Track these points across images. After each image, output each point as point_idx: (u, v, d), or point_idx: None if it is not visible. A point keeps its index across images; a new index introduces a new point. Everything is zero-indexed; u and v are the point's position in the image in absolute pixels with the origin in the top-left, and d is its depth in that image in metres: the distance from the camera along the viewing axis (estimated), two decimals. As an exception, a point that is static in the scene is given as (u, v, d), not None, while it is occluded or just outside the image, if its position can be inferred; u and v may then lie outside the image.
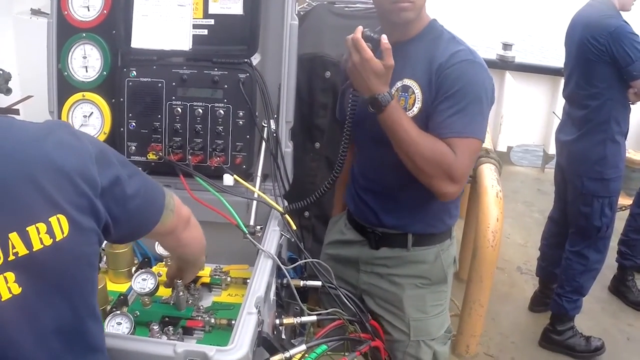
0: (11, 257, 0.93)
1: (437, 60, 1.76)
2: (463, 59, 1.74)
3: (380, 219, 1.99)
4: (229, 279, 1.88)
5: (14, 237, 0.93)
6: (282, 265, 1.70)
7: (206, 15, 1.92)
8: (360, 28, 1.69)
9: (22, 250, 0.94)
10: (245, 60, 1.92)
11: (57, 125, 1.09)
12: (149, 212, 1.29)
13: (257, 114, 1.91)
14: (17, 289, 0.95)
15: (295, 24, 1.92)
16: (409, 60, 1.82)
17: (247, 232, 1.74)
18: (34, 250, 0.95)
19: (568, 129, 3.30)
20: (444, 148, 1.71)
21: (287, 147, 1.98)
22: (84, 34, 1.98)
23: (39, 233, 0.96)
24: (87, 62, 1.99)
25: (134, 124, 1.95)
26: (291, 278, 1.82)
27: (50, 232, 0.97)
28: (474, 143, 1.74)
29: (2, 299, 0.93)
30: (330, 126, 2.61)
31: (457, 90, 1.71)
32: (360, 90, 1.75)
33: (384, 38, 1.68)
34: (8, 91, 3.23)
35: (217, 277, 1.88)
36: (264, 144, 1.91)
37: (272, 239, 1.76)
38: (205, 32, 1.93)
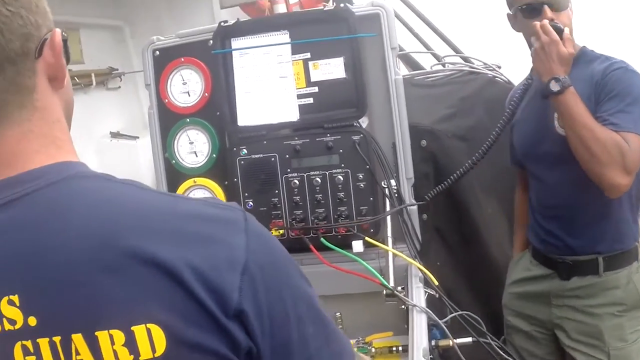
0: None
1: (594, 77, 1.85)
2: (618, 67, 1.85)
3: (568, 244, 2.00)
4: (373, 349, 1.80)
5: (78, 339, 0.71)
6: (438, 320, 1.63)
7: (309, 83, 1.90)
8: (546, 20, 1.81)
9: None
10: (355, 123, 1.89)
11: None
12: None
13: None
14: None
15: (400, 78, 1.89)
16: None
17: (392, 289, 1.67)
18: None
19: None
20: (617, 137, 1.75)
21: (412, 205, 1.92)
22: (188, 119, 1.97)
23: (112, 343, 0.70)
24: (194, 147, 1.97)
25: (251, 203, 1.91)
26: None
27: (130, 345, 0.70)
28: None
29: None
30: (437, 197, 2.56)
31: (617, 93, 1.80)
32: (541, 72, 1.83)
33: (567, 30, 1.81)
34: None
35: (361, 347, 1.80)
36: (388, 204, 1.86)
37: (419, 296, 1.69)
38: (311, 100, 1.90)
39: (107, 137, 3.70)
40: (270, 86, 1.92)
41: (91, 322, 0.71)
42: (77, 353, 0.71)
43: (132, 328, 0.70)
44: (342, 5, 1.86)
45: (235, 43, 1.93)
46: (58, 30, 0.84)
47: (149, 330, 0.70)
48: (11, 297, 0.72)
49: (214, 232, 0.77)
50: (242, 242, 0.77)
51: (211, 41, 1.94)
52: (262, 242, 0.81)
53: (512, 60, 2.70)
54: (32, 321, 0.72)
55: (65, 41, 0.89)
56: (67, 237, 0.73)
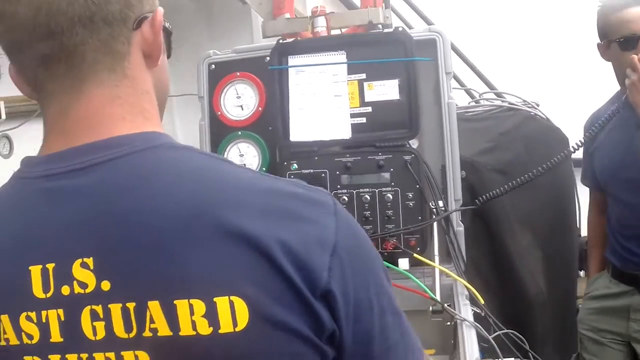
0: (147, 333, 0.69)
1: None
2: None
3: None
4: (416, 368, 1.79)
5: (154, 307, 0.68)
6: (487, 335, 1.62)
7: (363, 103, 1.94)
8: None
9: (163, 329, 0.68)
10: (406, 143, 1.92)
11: None
12: None
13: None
14: None
15: (454, 102, 1.93)
16: None
17: (442, 304, 1.68)
18: (180, 334, 0.67)
19: None
20: None
21: (459, 226, 1.94)
22: (240, 132, 2.00)
23: (192, 313, 0.67)
24: (244, 159, 2.00)
25: (299, 216, 1.92)
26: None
27: (211, 317, 0.67)
28: None
29: None
30: (472, 227, 2.57)
31: None
32: (638, 104, 1.96)
33: None
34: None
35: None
36: (435, 224, 1.87)
37: (466, 312, 1.70)
38: (364, 119, 1.94)
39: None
40: (325, 104, 1.96)
41: (171, 290, 0.68)
42: (152, 321, 0.68)
43: (215, 299, 0.67)
44: (400, 29, 1.92)
45: (292, 60, 1.98)
46: (161, 10, 0.85)
47: (232, 303, 0.67)
48: (85, 259, 0.71)
49: (303, 210, 0.75)
50: (332, 224, 0.75)
51: (267, 58, 1.99)
52: (350, 227, 0.80)
53: (548, 97, 2.76)
54: (106, 285, 0.70)
55: (168, 33, 0.91)
56: (152, 203, 0.72)
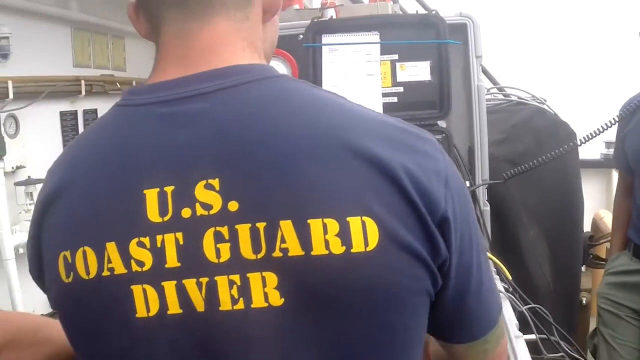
0: (277, 253, 0.66)
1: None
2: None
3: None
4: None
5: (286, 226, 0.66)
6: (520, 306, 1.66)
7: (395, 83, 1.98)
8: None
9: (294, 249, 0.66)
10: (436, 123, 1.97)
11: None
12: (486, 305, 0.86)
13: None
14: (277, 300, 0.67)
15: (483, 85, 1.99)
16: None
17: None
18: (312, 254, 0.66)
19: None
20: None
21: (485, 206, 1.99)
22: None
23: (325, 232, 0.66)
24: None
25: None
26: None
27: (344, 236, 0.67)
28: None
29: (252, 305, 0.67)
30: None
31: None
32: None
33: None
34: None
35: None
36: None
37: (497, 284, 1.73)
38: (395, 99, 1.98)
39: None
40: (357, 83, 1.99)
41: (304, 209, 0.67)
42: (283, 241, 0.66)
43: (348, 219, 0.67)
44: (433, 12, 1.97)
45: (326, 39, 2.01)
46: None
47: (363, 223, 0.67)
48: (210, 180, 0.68)
49: (418, 144, 0.76)
50: (442, 159, 0.76)
51: (301, 35, 2.02)
52: (453, 166, 0.81)
53: (554, 94, 2.85)
54: (233, 206, 0.68)
55: None
56: (279, 126, 0.71)
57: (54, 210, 0.75)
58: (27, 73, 2.87)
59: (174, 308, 0.68)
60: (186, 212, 0.68)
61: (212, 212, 0.68)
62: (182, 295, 0.68)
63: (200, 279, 0.68)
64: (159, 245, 0.68)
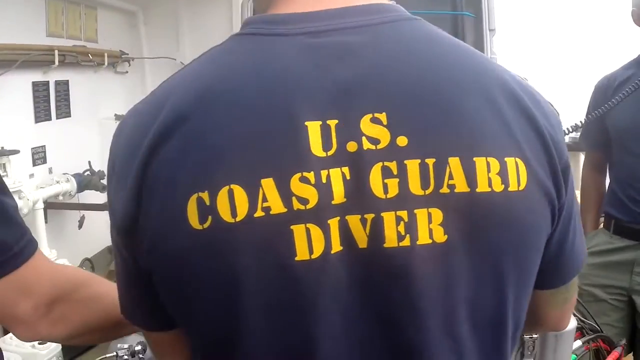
0: (444, 190, 0.67)
1: None
2: None
3: None
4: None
5: (454, 163, 0.67)
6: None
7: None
8: None
9: (461, 185, 0.67)
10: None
11: None
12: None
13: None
14: (440, 236, 0.67)
15: (496, 58, 2.03)
16: None
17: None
18: (476, 191, 0.67)
19: None
20: None
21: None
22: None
23: (488, 170, 0.68)
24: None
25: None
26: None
27: (503, 175, 0.68)
28: None
29: (418, 241, 0.66)
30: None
31: None
32: None
33: None
34: (104, 188, 3.23)
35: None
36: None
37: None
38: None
39: (111, 119, 3.67)
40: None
41: (470, 147, 0.67)
42: (451, 177, 0.66)
43: (505, 159, 0.68)
44: (450, -17, 2.00)
45: (340, 8, 2.01)
46: None
47: (517, 164, 0.69)
48: (377, 114, 0.66)
49: (542, 98, 0.77)
50: (555, 113, 0.78)
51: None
52: None
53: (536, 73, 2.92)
54: (402, 141, 0.66)
55: None
56: (437, 64, 0.71)
57: (174, 144, 0.66)
58: (0, 41, 2.74)
59: (336, 247, 0.66)
60: (352, 146, 0.66)
61: (379, 146, 0.66)
62: (344, 232, 0.66)
63: (365, 215, 0.66)
64: (324, 180, 0.65)
